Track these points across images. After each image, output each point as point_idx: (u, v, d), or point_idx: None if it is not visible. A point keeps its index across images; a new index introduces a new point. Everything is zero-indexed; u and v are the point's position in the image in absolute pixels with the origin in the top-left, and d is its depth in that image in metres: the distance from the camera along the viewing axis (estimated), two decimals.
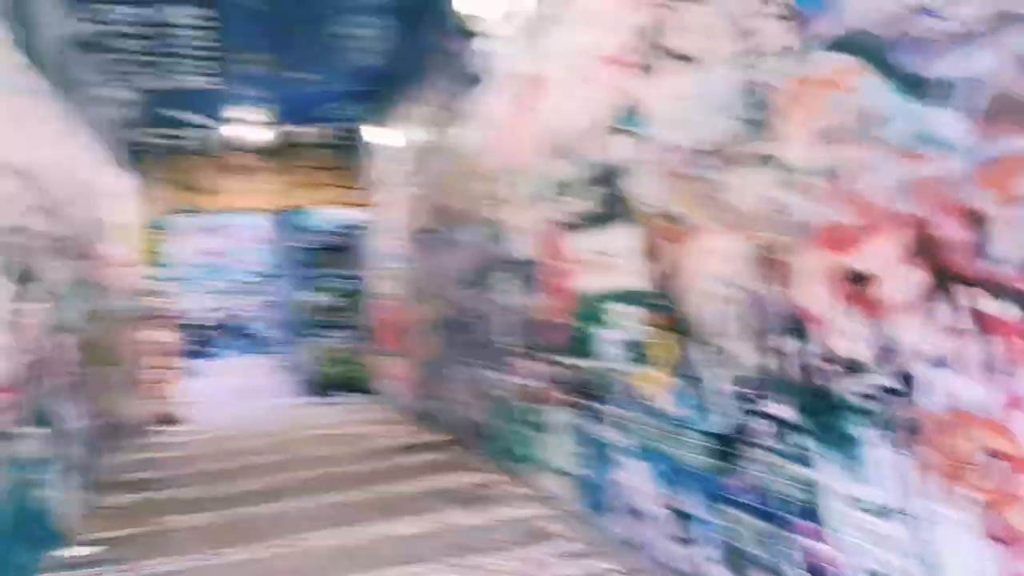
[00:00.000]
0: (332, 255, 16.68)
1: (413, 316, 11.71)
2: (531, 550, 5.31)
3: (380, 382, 15.08)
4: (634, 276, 4.82)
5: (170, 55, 9.42)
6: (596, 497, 5.59)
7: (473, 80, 7.79)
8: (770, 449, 3.66)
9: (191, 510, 7.24)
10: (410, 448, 9.44)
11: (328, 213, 16.34)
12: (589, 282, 5.47)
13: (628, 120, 4.74)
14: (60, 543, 6.38)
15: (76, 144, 8.68)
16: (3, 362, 5.49)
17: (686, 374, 4.32)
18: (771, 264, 3.53)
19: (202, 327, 27.24)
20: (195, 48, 9.24)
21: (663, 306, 4.50)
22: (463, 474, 7.65)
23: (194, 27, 8.61)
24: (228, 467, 9.21)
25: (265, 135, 13.53)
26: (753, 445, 3.78)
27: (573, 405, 5.90)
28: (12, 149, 6.07)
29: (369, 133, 13.53)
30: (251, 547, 5.96)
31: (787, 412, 3.53)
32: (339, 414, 13.42)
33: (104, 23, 8.32)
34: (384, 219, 13.30)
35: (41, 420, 6.30)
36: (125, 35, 8.68)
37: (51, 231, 7.11)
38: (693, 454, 4.30)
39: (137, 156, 13.39)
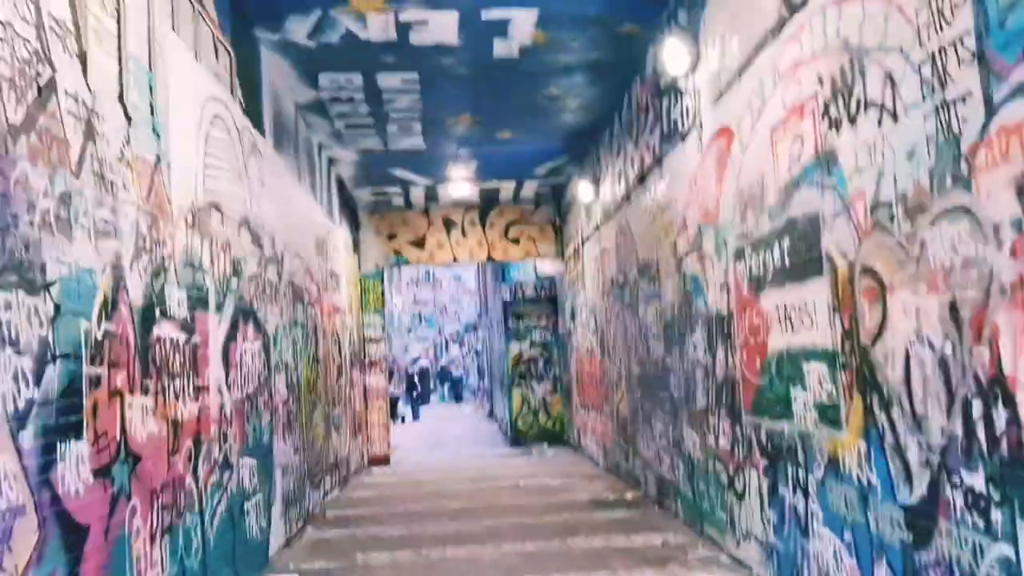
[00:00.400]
0: (533, 307, 17.04)
1: (608, 369, 11.69)
2: None
3: (576, 435, 15.12)
4: (826, 334, 4.59)
5: (383, 118, 10.06)
6: (785, 565, 5.31)
7: (669, 135, 7.78)
8: (965, 523, 3.35)
9: (389, 548, 7.51)
10: (600, 504, 9.36)
11: (529, 266, 16.76)
12: (781, 339, 5.26)
13: (820, 172, 4.57)
14: (265, 570, 6.80)
15: (300, 201, 9.42)
16: (224, 397, 5.99)
17: (877, 438, 4.04)
18: (969, 324, 3.26)
19: (410, 373, 28.44)
20: (404, 111, 9.83)
21: (855, 366, 4.26)
22: (652, 533, 7.49)
23: (402, 91, 9.16)
24: (427, 509, 9.50)
25: (471, 191, 14.11)
26: (947, 517, 3.47)
27: (764, 467, 5.66)
28: (242, 204, 6.68)
29: (569, 188, 13.79)
30: None
31: (984, 483, 3.22)
32: (534, 464, 13.54)
33: (325, 90, 9.02)
34: (581, 272, 13.45)
35: (255, 452, 6.80)
36: (343, 100, 9.37)
37: (273, 279, 7.72)
38: (884, 524, 4.00)
39: (354, 211, 14.33)
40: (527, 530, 7.99)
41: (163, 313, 4.81)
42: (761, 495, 5.74)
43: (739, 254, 5.96)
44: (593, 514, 8.68)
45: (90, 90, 4.02)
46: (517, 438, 16.53)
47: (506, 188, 14.39)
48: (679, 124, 7.45)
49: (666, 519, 8.12)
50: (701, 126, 6.80)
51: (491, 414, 24.26)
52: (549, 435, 16.42)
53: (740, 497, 6.18)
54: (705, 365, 6.94)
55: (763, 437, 5.66)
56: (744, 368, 5.99)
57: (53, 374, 3.45)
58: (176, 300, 5.04)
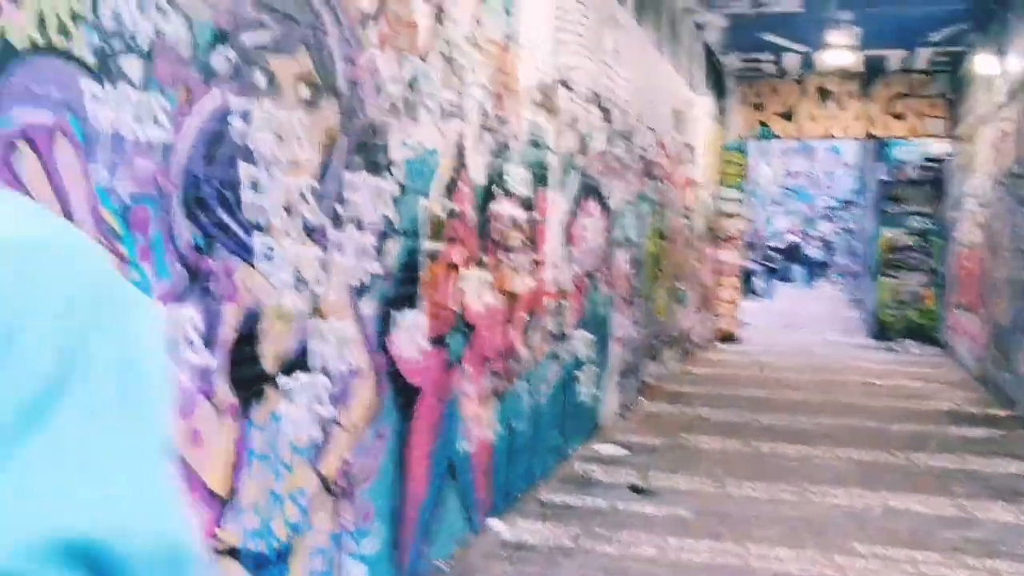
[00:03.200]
0: (914, 190, 15.41)
1: (989, 269, 10.36)
2: None
3: (948, 335, 13.75)
4: None
5: None
6: None
7: None
8: None
9: (718, 433, 7.47)
10: (959, 417, 8.50)
11: (913, 144, 15.08)
12: None
13: None
14: (594, 438, 7.10)
15: (658, 71, 9.20)
16: (563, 270, 6.18)
17: None
18: None
19: (771, 249, 27.48)
20: None
21: None
22: (1013, 461, 6.67)
23: None
24: (765, 397, 9.28)
25: (852, 59, 12.83)
26: None
27: None
28: (592, 79, 6.64)
29: (967, 59, 12.02)
30: (765, 486, 5.94)
31: None
32: (894, 363, 12.60)
33: None
34: (973, 156, 11.84)
35: (591, 324, 7.00)
36: None
37: (622, 153, 7.70)
38: None
39: (720, 79, 13.75)
40: (869, 436, 7.50)
41: (504, 191, 4.99)
42: None
43: None
44: (948, 428, 7.91)
45: None
46: (880, 330, 15.38)
47: (894, 57, 12.91)
48: None
49: None
50: None
51: (854, 301, 22.85)
52: (917, 331, 15.05)
53: None
54: None
55: None
56: None
57: (393, 249, 3.73)
58: (517, 177, 5.19)
